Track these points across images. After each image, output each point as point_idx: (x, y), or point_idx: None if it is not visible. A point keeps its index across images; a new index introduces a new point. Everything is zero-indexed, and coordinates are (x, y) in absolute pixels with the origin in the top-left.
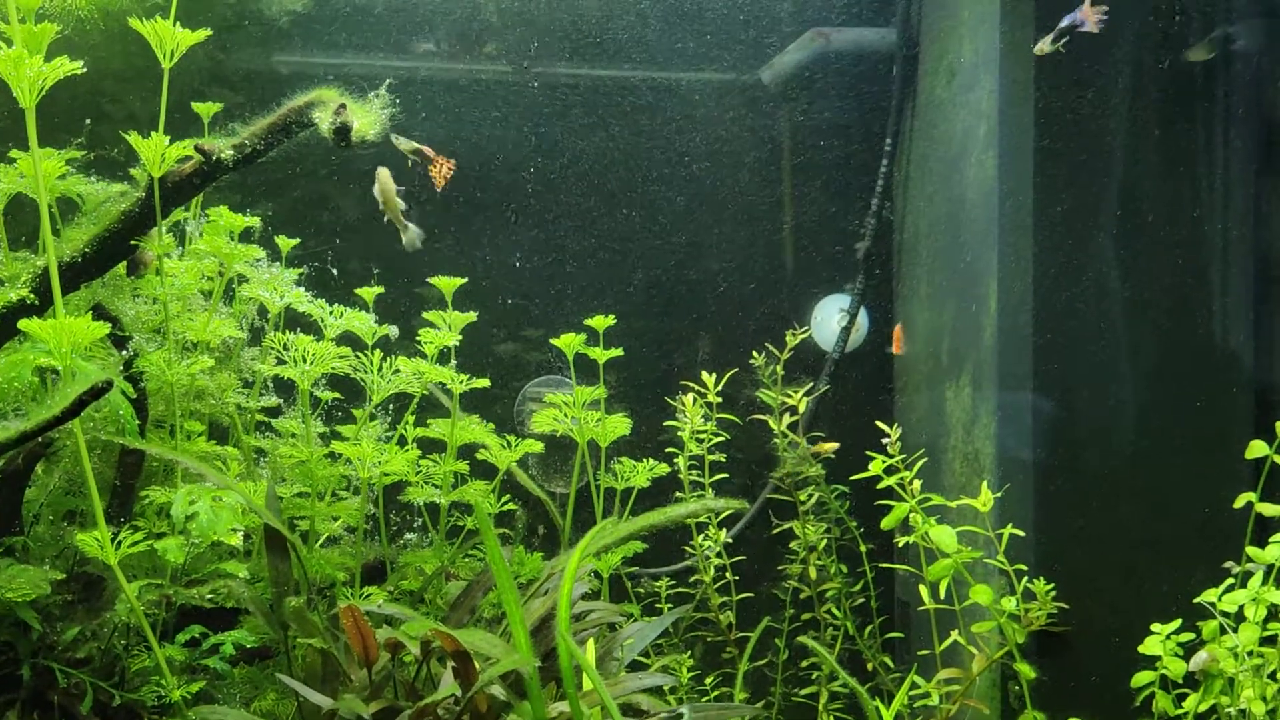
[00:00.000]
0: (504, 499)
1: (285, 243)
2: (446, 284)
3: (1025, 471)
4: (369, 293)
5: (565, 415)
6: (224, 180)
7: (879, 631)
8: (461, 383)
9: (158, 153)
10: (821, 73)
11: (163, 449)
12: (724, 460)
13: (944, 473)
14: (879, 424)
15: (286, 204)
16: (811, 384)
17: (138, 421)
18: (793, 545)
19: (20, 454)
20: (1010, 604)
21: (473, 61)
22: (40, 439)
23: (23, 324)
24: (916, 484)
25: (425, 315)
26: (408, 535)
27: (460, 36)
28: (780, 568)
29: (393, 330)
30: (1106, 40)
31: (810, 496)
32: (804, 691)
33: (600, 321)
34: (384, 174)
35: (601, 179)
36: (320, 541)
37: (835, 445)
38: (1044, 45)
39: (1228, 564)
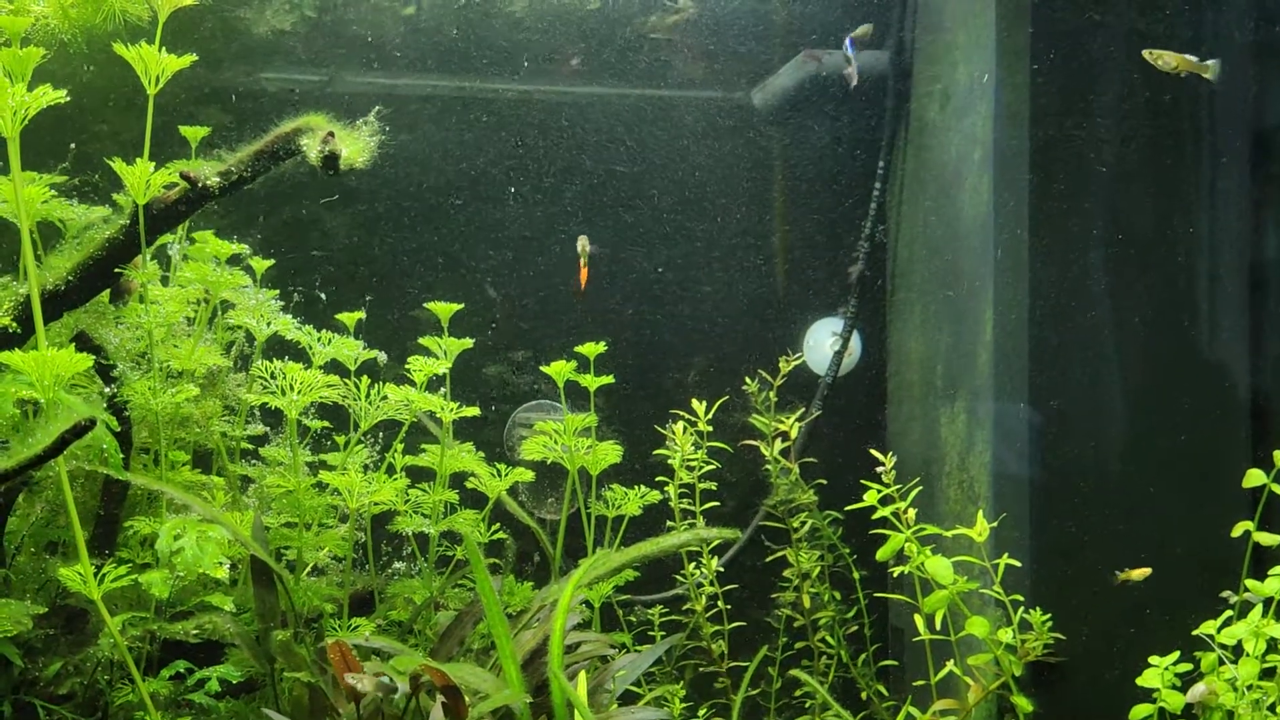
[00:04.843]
0: (494, 527)
1: (259, 264)
2: (443, 309)
3: (1021, 499)
4: (350, 318)
5: (556, 443)
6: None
7: (873, 660)
8: (451, 410)
9: (142, 179)
10: (813, 95)
11: (147, 480)
12: (715, 488)
13: (938, 499)
14: (873, 451)
15: (274, 225)
16: (804, 409)
17: (121, 455)
18: (786, 573)
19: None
20: (1007, 635)
21: (463, 79)
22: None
23: (3, 356)
24: (911, 513)
25: (421, 341)
26: (396, 565)
27: (446, 55)
28: (774, 595)
29: (381, 355)
30: (1102, 67)
31: (803, 524)
32: None
33: (591, 348)
34: None
35: (592, 200)
36: (307, 571)
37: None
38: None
39: (1225, 594)
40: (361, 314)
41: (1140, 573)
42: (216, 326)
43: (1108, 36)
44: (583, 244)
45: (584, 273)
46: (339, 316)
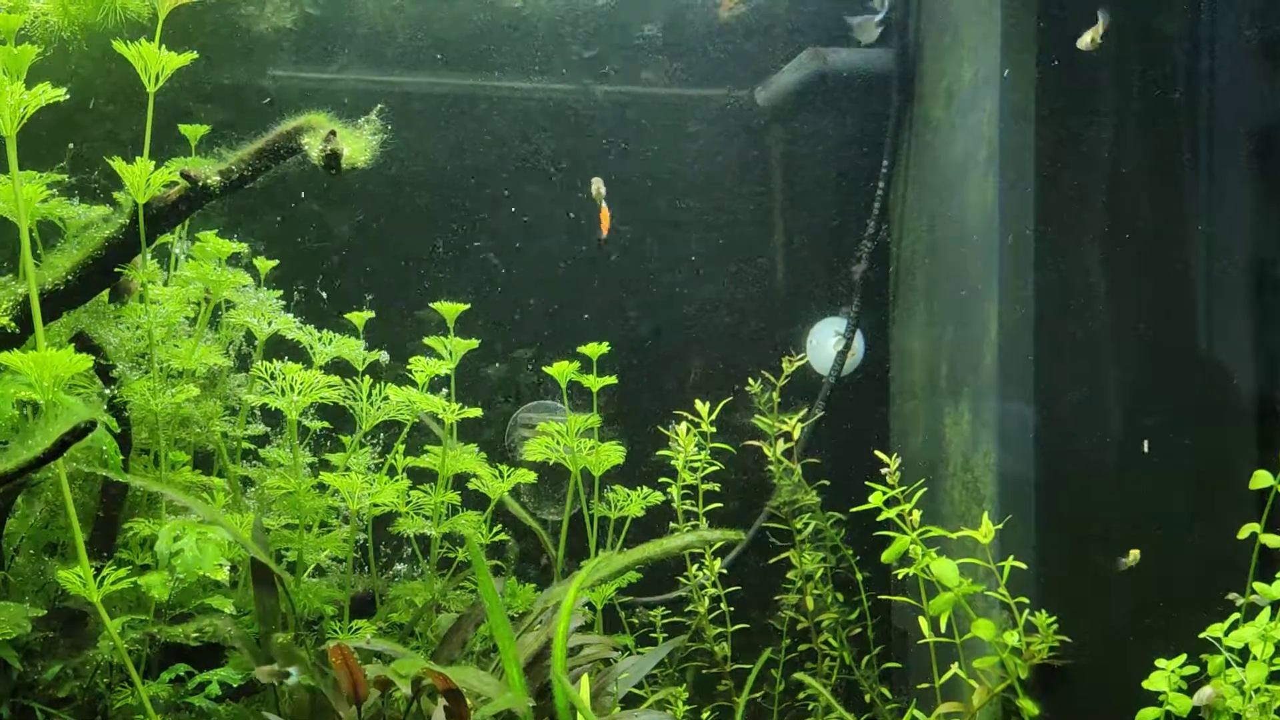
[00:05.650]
0: (495, 529)
1: (263, 264)
2: (449, 309)
3: (1026, 501)
4: (359, 317)
5: (558, 444)
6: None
7: (876, 662)
8: (454, 412)
9: (142, 178)
10: (818, 93)
11: (147, 481)
12: (719, 489)
13: (942, 500)
14: (878, 453)
15: (275, 224)
16: (807, 409)
17: (121, 456)
18: (789, 575)
19: None
20: (1012, 638)
21: (463, 78)
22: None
23: (2, 357)
24: (916, 515)
25: (426, 341)
26: (397, 566)
27: (447, 53)
28: (777, 597)
29: (383, 355)
30: (1110, 65)
31: (806, 525)
32: None
33: (594, 349)
34: None
35: (593, 199)
36: (308, 573)
37: None
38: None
39: (1231, 596)
40: (370, 313)
41: (1132, 555)
42: (219, 326)
43: (1116, 33)
44: (597, 186)
45: (605, 217)
46: (346, 316)
